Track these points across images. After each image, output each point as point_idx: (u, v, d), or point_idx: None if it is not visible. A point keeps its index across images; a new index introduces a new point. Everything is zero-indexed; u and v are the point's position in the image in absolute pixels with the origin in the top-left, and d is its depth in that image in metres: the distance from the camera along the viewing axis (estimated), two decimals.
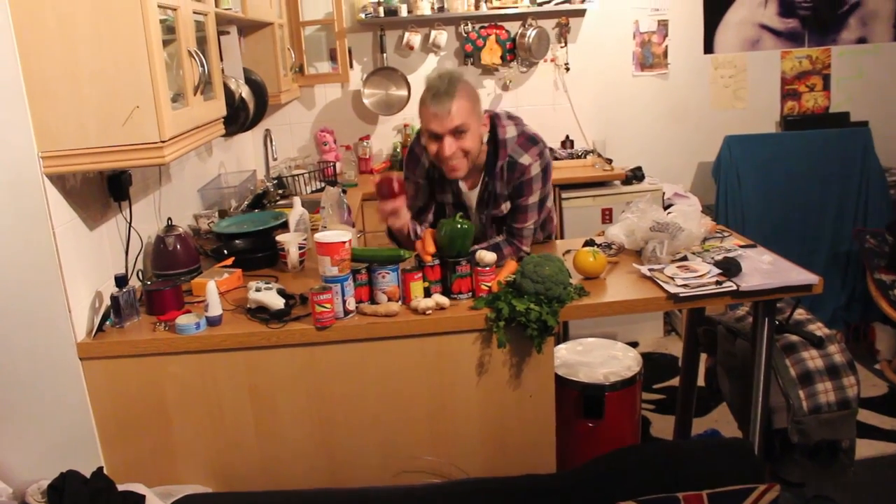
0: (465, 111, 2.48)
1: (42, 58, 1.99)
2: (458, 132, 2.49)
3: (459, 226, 2.38)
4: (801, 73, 5.32)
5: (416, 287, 2.33)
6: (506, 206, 2.70)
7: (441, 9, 4.77)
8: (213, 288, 2.29)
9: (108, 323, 2.29)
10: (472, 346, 2.30)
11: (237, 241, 2.91)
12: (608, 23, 5.07)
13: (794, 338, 2.67)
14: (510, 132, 2.65)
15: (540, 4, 4.85)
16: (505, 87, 5.07)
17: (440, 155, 2.53)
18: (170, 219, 2.79)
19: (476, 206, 2.76)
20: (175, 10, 2.25)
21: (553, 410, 2.40)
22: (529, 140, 2.66)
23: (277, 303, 2.31)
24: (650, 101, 5.26)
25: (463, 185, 2.73)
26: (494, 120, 2.66)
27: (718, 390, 3.06)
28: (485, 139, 2.62)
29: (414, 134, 4.74)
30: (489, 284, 2.35)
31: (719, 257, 2.48)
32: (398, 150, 5.06)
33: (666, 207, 3.15)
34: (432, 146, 2.54)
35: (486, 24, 4.94)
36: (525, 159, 2.63)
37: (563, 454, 2.49)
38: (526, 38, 4.88)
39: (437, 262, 2.36)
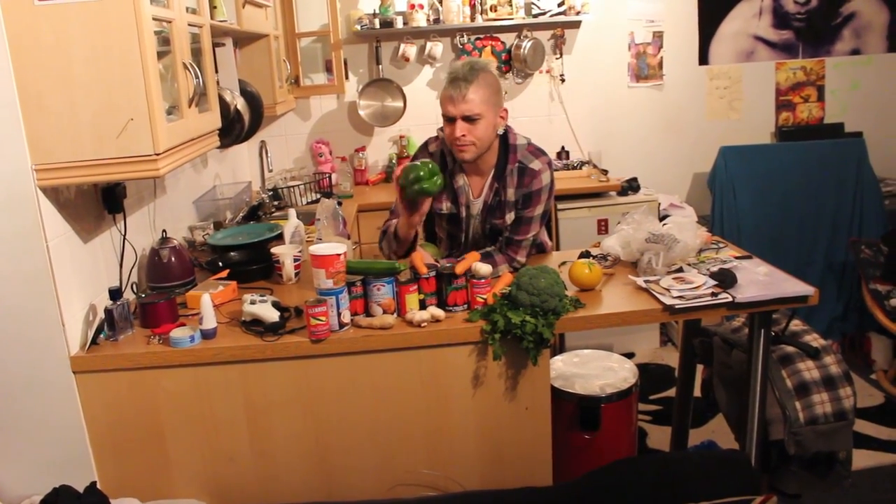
0: (480, 99, 2.55)
1: (36, 70, 1.98)
2: (470, 119, 2.56)
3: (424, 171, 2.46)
4: (796, 85, 5.33)
5: (412, 299, 2.32)
6: (509, 217, 2.71)
7: (436, 20, 4.78)
8: (207, 301, 2.28)
9: (101, 336, 2.27)
10: (468, 358, 2.29)
11: (232, 254, 2.91)
12: (603, 34, 5.09)
13: (790, 349, 2.67)
14: (521, 140, 2.73)
15: (535, 16, 4.87)
16: None
17: (451, 136, 2.60)
18: (164, 231, 2.78)
19: (481, 214, 2.76)
20: (170, 22, 2.25)
21: (549, 423, 2.40)
22: (539, 150, 2.75)
23: (272, 316, 2.30)
24: (645, 112, 5.27)
25: (470, 193, 2.74)
26: (507, 127, 2.72)
27: (715, 401, 3.06)
28: (500, 130, 2.67)
29: (410, 146, 4.77)
30: (485, 297, 2.34)
31: (715, 269, 2.48)
32: (394, 161, 5.06)
33: (662, 218, 3.15)
34: (447, 129, 2.62)
35: (481, 36, 4.95)
36: (536, 164, 2.69)
37: (560, 466, 2.49)
38: (521, 50, 4.89)
39: (432, 274, 2.35)
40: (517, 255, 2.72)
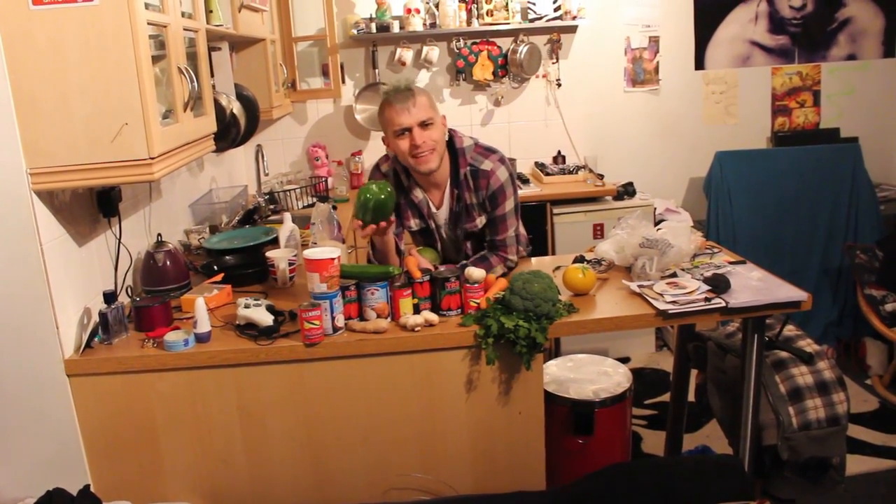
0: (426, 105, 2.59)
1: (31, 74, 1.99)
2: (425, 124, 2.57)
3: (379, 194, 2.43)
4: (792, 90, 5.34)
5: (405, 304, 2.33)
6: (480, 220, 2.73)
7: (433, 25, 4.79)
8: (201, 304, 2.28)
9: (96, 339, 2.28)
10: (461, 362, 2.30)
11: (227, 257, 2.90)
12: (599, 39, 5.10)
13: (784, 354, 2.68)
14: (467, 141, 2.74)
15: (531, 21, 4.88)
16: (497, 103, 5.09)
17: (412, 146, 2.58)
18: (159, 235, 2.79)
19: (447, 223, 2.77)
20: (165, 27, 2.25)
21: (542, 427, 2.40)
22: (487, 149, 2.75)
23: (266, 319, 2.30)
24: (641, 117, 5.28)
25: (431, 205, 2.75)
26: (451, 132, 2.72)
27: (709, 406, 3.06)
28: (446, 136, 2.68)
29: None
30: (478, 301, 2.35)
31: (708, 274, 2.49)
32: None
33: (657, 223, 3.16)
34: (402, 143, 2.60)
35: (477, 40, 4.96)
36: (487, 165, 2.69)
37: (553, 471, 2.49)
38: (517, 54, 4.90)
39: (426, 278, 2.36)
40: (508, 255, 2.74)
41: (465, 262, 2.71)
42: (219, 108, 3.10)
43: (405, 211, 2.79)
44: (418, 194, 2.75)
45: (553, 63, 5.06)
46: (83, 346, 2.24)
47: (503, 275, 2.67)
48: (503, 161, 2.72)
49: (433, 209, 2.78)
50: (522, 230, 2.98)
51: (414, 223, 2.81)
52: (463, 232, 2.77)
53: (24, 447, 2.21)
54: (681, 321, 2.44)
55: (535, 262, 2.91)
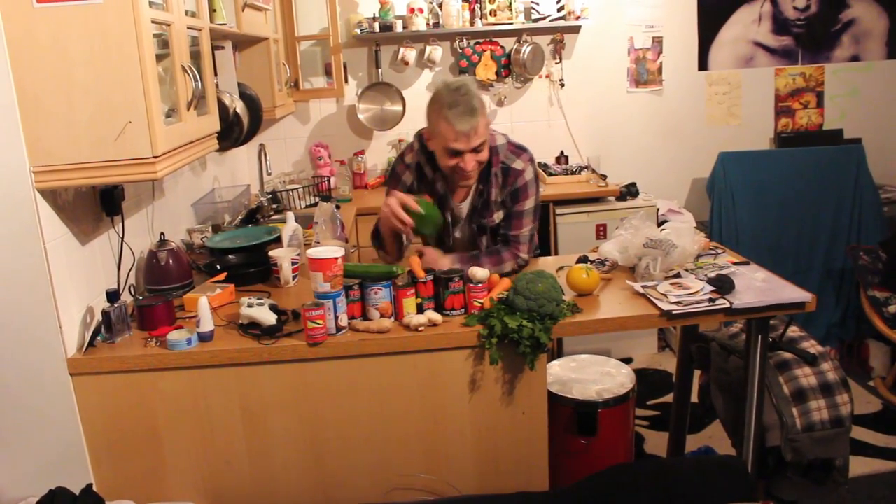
0: (484, 126, 2.54)
1: (34, 72, 1.99)
2: (478, 148, 2.55)
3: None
4: (795, 91, 5.34)
5: (409, 303, 2.32)
6: (498, 215, 2.72)
7: (436, 24, 4.79)
8: (204, 303, 2.28)
9: (99, 338, 2.27)
10: (465, 362, 2.29)
11: (230, 256, 2.90)
12: (603, 39, 5.10)
13: (788, 355, 2.67)
14: (500, 139, 2.72)
15: (535, 21, 4.88)
16: (500, 103, 5.09)
17: (459, 168, 2.57)
18: (162, 233, 2.78)
19: (467, 216, 2.76)
20: (169, 25, 2.25)
21: (546, 427, 2.39)
22: (519, 147, 2.74)
23: (269, 319, 2.30)
24: (645, 118, 5.27)
25: (450, 199, 2.75)
26: None
27: (712, 407, 3.06)
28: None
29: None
30: (482, 301, 2.35)
31: (712, 274, 2.48)
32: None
33: (660, 224, 3.15)
34: (450, 161, 2.57)
35: (480, 40, 4.95)
36: (518, 164, 2.69)
37: (556, 471, 2.48)
38: (521, 54, 4.90)
39: (429, 278, 2.35)
40: (520, 252, 2.73)
41: (475, 252, 2.71)
42: (222, 107, 3.09)
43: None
44: (440, 187, 2.75)
45: (556, 63, 5.06)
46: (86, 345, 2.23)
47: (513, 272, 2.67)
48: (532, 161, 2.73)
49: (453, 202, 2.77)
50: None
51: None
52: (478, 226, 2.76)
53: (27, 446, 2.20)
54: (685, 322, 2.43)
55: (539, 263, 2.90)
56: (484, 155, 2.58)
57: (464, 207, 2.77)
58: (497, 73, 4.99)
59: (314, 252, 2.26)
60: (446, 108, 2.49)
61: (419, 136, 2.76)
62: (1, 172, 2.03)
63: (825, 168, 4.92)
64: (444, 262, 2.59)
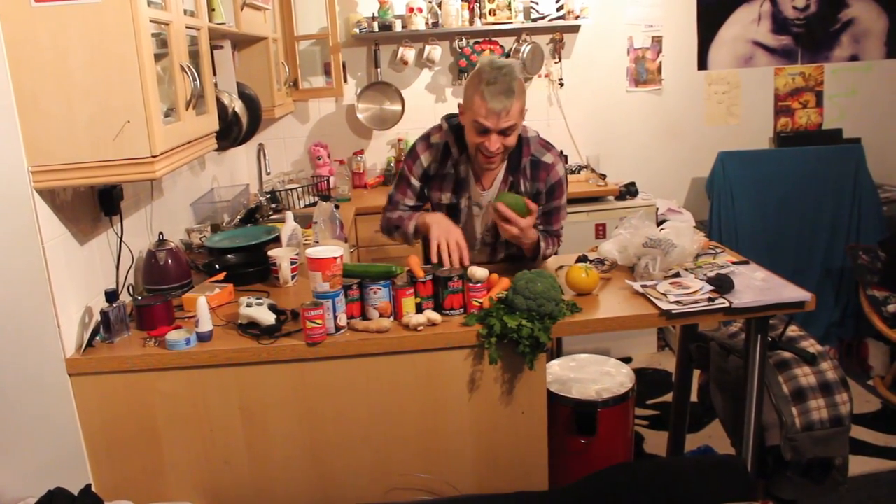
0: (518, 111, 2.52)
1: (33, 71, 1.98)
2: (506, 131, 2.52)
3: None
4: (795, 90, 5.34)
5: (408, 303, 2.32)
6: None
7: (435, 24, 4.79)
8: (203, 303, 2.28)
9: (97, 338, 2.27)
10: (464, 362, 2.29)
11: (229, 256, 2.90)
12: (602, 39, 5.10)
13: (787, 354, 2.67)
14: (531, 132, 2.72)
15: (534, 20, 4.87)
16: None
17: (483, 147, 2.54)
18: (161, 233, 2.78)
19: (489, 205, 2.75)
20: (167, 24, 2.25)
21: (545, 427, 2.39)
22: (548, 143, 2.76)
23: (268, 318, 2.30)
24: (644, 117, 5.27)
25: (477, 186, 2.74)
26: None
27: (711, 406, 3.06)
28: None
29: (409, 145, 4.75)
30: (481, 301, 2.34)
31: (712, 274, 2.48)
32: (392, 164, 5.06)
33: (660, 223, 3.15)
34: (477, 138, 2.55)
35: (480, 40, 4.95)
36: (548, 158, 2.70)
37: (556, 471, 2.48)
38: (520, 54, 4.89)
39: (428, 278, 2.35)
40: (557, 244, 2.79)
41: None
42: (221, 107, 3.09)
43: (440, 182, 2.75)
44: (463, 170, 2.71)
45: (556, 63, 5.06)
46: (84, 345, 2.23)
47: (545, 257, 2.74)
48: (561, 157, 2.75)
49: (475, 189, 2.74)
50: None
51: (445, 196, 2.76)
52: None
53: (26, 446, 2.20)
54: (684, 321, 2.43)
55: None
56: (511, 140, 2.55)
57: (488, 195, 2.74)
58: None
59: (313, 252, 2.26)
60: (484, 84, 2.47)
61: (448, 117, 2.74)
62: None
63: (824, 168, 4.93)
64: (533, 233, 2.60)
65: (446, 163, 2.73)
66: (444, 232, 2.58)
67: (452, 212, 2.78)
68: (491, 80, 2.47)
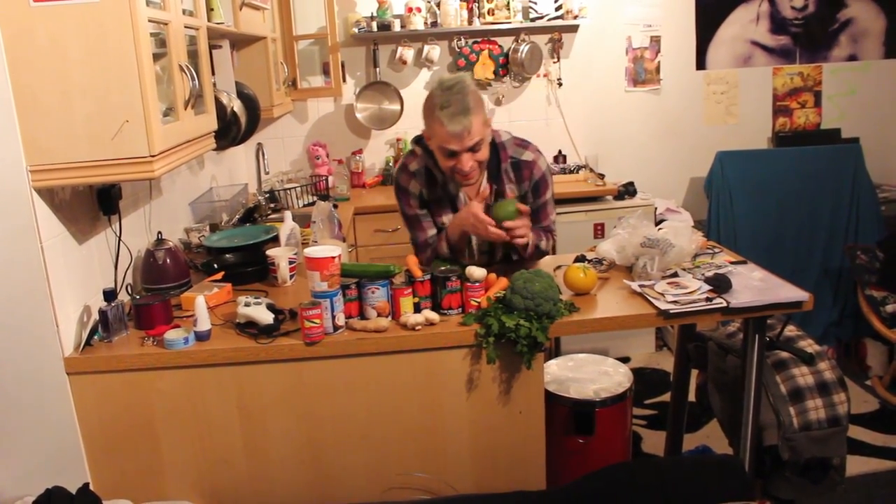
0: (479, 126, 2.48)
1: (32, 71, 1.98)
2: (474, 149, 2.50)
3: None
4: (793, 90, 5.34)
5: (406, 302, 2.32)
6: None
7: (434, 24, 4.79)
8: (201, 302, 2.28)
9: (96, 337, 2.27)
10: (462, 362, 2.29)
11: (227, 256, 2.90)
12: (601, 38, 5.10)
13: (785, 354, 2.67)
14: (505, 135, 2.71)
15: (533, 20, 4.88)
16: (498, 102, 5.09)
17: (457, 169, 2.53)
18: (160, 232, 2.78)
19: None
20: (166, 24, 2.25)
21: (543, 427, 2.39)
22: (524, 140, 2.74)
23: (267, 318, 2.30)
24: (643, 117, 5.28)
25: (465, 199, 2.72)
26: None
27: (709, 406, 3.06)
28: (488, 138, 2.61)
29: (406, 149, 4.76)
30: (479, 300, 2.35)
31: (710, 274, 2.49)
32: (391, 164, 5.06)
33: (658, 223, 3.15)
34: (448, 162, 2.54)
35: (478, 39, 4.96)
36: (528, 155, 2.69)
37: (554, 471, 2.48)
38: (519, 54, 4.90)
39: (426, 277, 2.35)
40: (550, 237, 2.78)
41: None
42: (219, 107, 3.10)
43: (437, 207, 2.73)
44: (452, 188, 2.69)
45: (554, 62, 5.06)
46: (83, 344, 2.23)
47: (544, 253, 2.75)
48: (540, 151, 2.74)
49: (467, 203, 2.71)
50: None
51: (447, 218, 2.73)
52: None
53: (24, 445, 2.20)
54: (682, 321, 2.43)
55: (536, 262, 2.90)
56: (482, 154, 2.54)
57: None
58: (495, 73, 5.00)
59: (311, 251, 2.26)
60: (438, 109, 2.45)
61: (418, 140, 2.72)
62: None
63: (823, 167, 4.93)
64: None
65: (435, 187, 2.70)
66: (469, 224, 2.59)
67: None
68: (444, 104, 2.45)
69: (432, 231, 2.76)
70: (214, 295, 2.54)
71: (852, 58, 5.33)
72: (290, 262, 2.77)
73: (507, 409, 2.35)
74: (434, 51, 4.85)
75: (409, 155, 2.75)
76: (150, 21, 2.08)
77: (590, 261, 2.71)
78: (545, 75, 5.09)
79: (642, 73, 5.22)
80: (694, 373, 3.22)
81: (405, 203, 2.75)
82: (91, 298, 2.37)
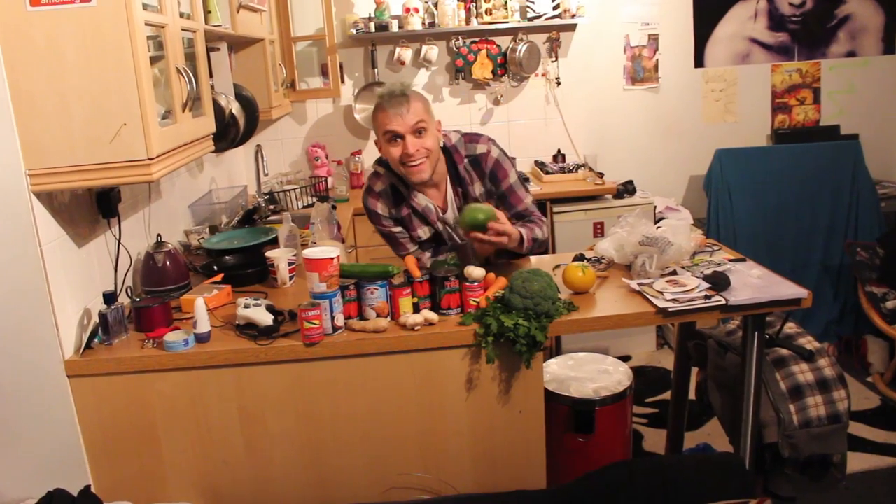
0: (421, 111, 2.52)
1: (29, 75, 1.99)
2: (418, 131, 2.52)
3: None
4: (792, 87, 5.34)
5: (405, 303, 2.32)
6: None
7: (432, 24, 4.79)
8: (201, 304, 2.28)
9: (96, 340, 2.28)
10: (461, 361, 2.30)
11: (227, 257, 2.91)
12: (599, 37, 5.10)
13: (785, 351, 2.67)
14: (454, 137, 2.70)
15: (530, 19, 4.88)
16: (496, 102, 5.09)
17: (405, 154, 2.52)
18: (159, 235, 2.78)
19: (458, 224, 2.73)
20: (163, 27, 2.25)
21: (543, 426, 2.40)
22: (474, 134, 2.72)
23: (266, 319, 2.30)
24: (641, 115, 5.28)
25: (437, 210, 2.70)
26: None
27: (709, 404, 3.06)
28: (441, 143, 2.62)
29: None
30: (478, 300, 2.35)
31: (708, 272, 2.49)
32: None
33: (657, 221, 3.16)
34: (395, 150, 2.54)
35: (476, 39, 4.96)
36: (480, 148, 2.68)
37: (554, 469, 2.49)
38: (517, 53, 4.90)
39: (425, 277, 2.36)
40: (537, 221, 2.72)
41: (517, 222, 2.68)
42: (218, 109, 3.10)
43: (410, 222, 2.72)
44: (421, 201, 2.68)
45: (552, 61, 5.06)
46: (83, 346, 2.24)
47: (544, 241, 2.71)
48: (491, 140, 2.71)
49: (440, 213, 2.71)
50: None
51: (422, 232, 2.72)
52: None
53: (25, 448, 2.21)
54: (681, 319, 2.43)
55: (535, 261, 2.90)
56: (429, 142, 2.53)
57: (450, 216, 2.72)
58: (493, 72, 5.00)
59: (310, 252, 2.26)
60: (378, 99, 2.57)
61: (380, 161, 2.73)
62: None
63: (822, 164, 4.93)
64: (513, 230, 2.54)
65: (402, 204, 2.70)
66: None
67: (438, 240, 2.77)
68: (385, 94, 2.55)
69: (413, 247, 2.76)
70: (214, 297, 2.54)
71: (851, 54, 5.33)
72: (290, 264, 2.78)
73: (506, 409, 2.35)
74: (432, 51, 4.86)
75: (372, 177, 2.76)
76: (146, 24, 2.08)
77: (589, 259, 2.71)
78: (543, 75, 5.10)
79: (641, 72, 5.22)
80: (694, 371, 3.22)
81: (378, 223, 2.76)
82: (91, 301, 2.37)
